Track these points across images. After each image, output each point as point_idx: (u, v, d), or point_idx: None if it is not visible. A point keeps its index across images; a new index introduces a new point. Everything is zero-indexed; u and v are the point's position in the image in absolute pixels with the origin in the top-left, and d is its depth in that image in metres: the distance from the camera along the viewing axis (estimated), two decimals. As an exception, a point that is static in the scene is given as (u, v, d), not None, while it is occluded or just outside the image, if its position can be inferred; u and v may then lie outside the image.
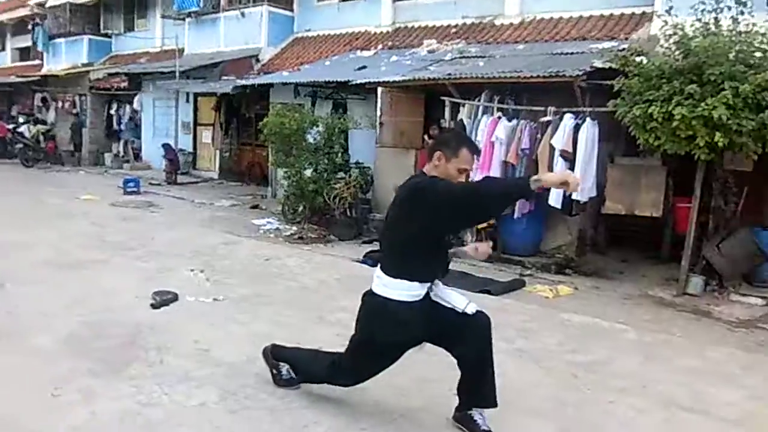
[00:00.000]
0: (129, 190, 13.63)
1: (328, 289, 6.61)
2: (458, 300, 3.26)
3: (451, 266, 3.38)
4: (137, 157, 19.24)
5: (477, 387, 3.31)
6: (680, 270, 7.24)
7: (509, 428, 3.48)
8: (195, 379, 3.96)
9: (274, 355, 3.83)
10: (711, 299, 7.04)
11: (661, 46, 7.16)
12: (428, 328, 3.22)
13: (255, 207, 12.60)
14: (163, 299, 5.69)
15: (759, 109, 6.04)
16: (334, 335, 4.93)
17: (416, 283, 3.14)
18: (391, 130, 10.54)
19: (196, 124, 17.21)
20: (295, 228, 10.44)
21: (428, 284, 3.19)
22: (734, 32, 6.45)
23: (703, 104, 6.01)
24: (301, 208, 10.58)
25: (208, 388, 3.82)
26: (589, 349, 4.98)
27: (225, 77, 15.25)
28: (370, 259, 8.06)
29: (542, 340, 5.23)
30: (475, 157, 3.21)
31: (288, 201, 10.71)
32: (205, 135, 16.97)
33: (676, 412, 3.87)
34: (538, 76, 8.17)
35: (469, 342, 3.21)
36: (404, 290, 3.14)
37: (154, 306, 5.55)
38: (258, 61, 15.78)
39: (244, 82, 13.75)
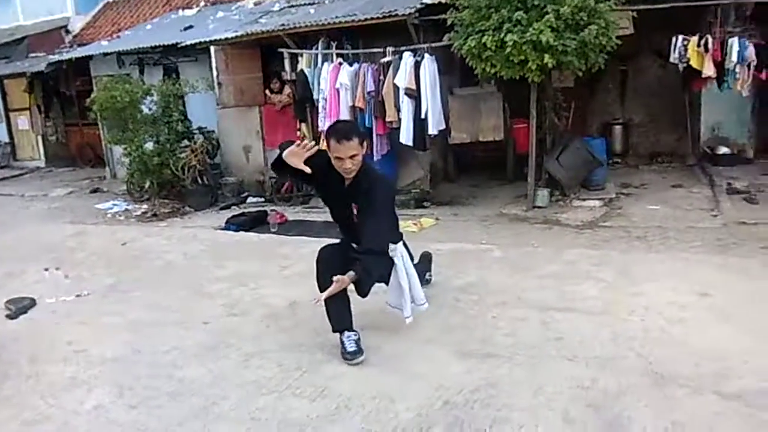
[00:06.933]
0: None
1: (197, 262, 6.36)
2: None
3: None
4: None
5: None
6: (528, 186, 7.83)
7: (410, 359, 3.66)
8: (82, 382, 3.71)
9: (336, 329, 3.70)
10: (557, 208, 7.71)
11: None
12: None
13: (95, 191, 11.79)
14: (19, 307, 5.18)
15: (578, 30, 6.57)
16: (219, 306, 4.85)
17: None
18: (231, 89, 10.18)
19: (7, 110, 15.45)
20: (145, 206, 9.94)
21: None
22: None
23: (531, 29, 6.42)
24: (148, 184, 10.04)
25: (99, 390, 3.61)
26: (463, 273, 5.26)
27: (33, 54, 13.77)
28: (233, 225, 7.89)
29: (420, 272, 5.45)
30: (343, 141, 3.37)
31: (132, 179, 10.11)
32: (21, 121, 15.33)
33: (551, 313, 4.25)
34: (372, 18, 8.24)
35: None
36: None
37: (10, 316, 5.04)
38: (68, 32, 14.45)
39: (58, 57, 12.53)
